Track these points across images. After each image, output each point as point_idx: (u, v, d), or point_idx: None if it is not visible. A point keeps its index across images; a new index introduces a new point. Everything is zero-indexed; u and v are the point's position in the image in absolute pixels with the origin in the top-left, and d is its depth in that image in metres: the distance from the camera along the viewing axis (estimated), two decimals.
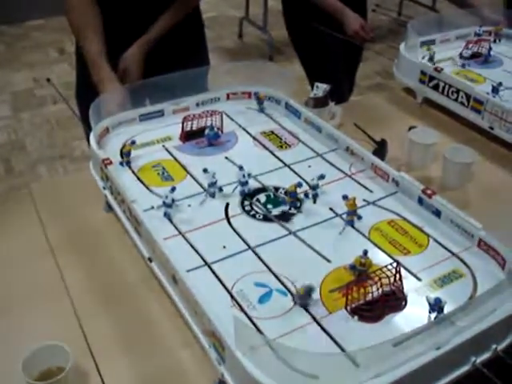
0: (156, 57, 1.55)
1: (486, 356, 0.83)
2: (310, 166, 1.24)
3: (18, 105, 3.59)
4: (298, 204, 1.12)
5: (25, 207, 1.28)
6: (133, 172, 1.22)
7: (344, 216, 1.08)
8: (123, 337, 0.97)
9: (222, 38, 4.50)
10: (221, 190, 1.14)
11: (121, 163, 1.23)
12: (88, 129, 1.25)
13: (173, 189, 1.08)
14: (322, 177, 1.13)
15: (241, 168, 1.15)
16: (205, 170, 1.15)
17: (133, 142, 1.25)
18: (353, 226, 1.07)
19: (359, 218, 1.07)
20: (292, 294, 0.91)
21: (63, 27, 4.78)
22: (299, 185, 1.11)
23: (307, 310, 0.89)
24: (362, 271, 0.93)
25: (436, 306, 0.84)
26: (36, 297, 1.05)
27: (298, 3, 2.12)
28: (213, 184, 1.14)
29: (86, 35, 1.46)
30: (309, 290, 0.88)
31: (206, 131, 1.31)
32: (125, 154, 1.23)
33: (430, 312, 0.85)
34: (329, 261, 0.98)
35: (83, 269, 1.11)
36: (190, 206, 1.12)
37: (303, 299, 0.89)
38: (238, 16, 4.64)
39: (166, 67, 1.39)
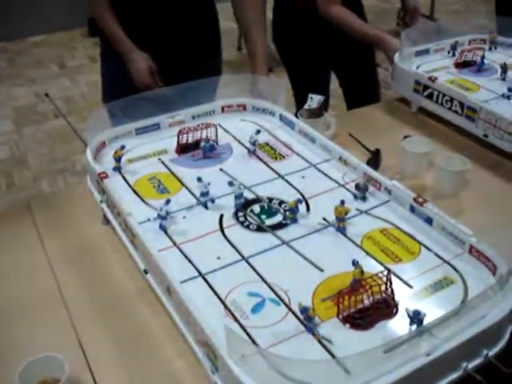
0: (169, 60, 1.66)
1: (477, 362, 0.84)
2: (303, 177, 1.25)
3: (20, 120, 3.62)
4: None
5: (23, 221, 1.30)
6: (129, 185, 1.23)
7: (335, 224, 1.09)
8: (120, 347, 0.98)
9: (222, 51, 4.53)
10: (213, 201, 1.16)
11: (113, 169, 1.26)
12: None
13: (167, 201, 1.09)
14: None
15: (230, 183, 1.17)
16: (199, 179, 1.16)
17: (122, 147, 1.27)
18: (344, 235, 1.08)
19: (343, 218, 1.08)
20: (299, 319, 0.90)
21: (64, 43, 4.84)
22: (299, 201, 1.12)
23: (299, 319, 0.89)
24: (361, 279, 0.93)
25: (415, 318, 0.84)
26: (34, 309, 1.07)
27: (288, 16, 2.14)
28: (205, 194, 1.15)
29: (106, 16, 1.63)
30: None
31: (202, 144, 1.33)
32: (115, 160, 1.26)
33: (410, 324, 0.85)
34: (321, 270, 0.99)
35: (81, 281, 1.12)
36: (184, 217, 1.13)
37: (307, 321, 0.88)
38: (237, 28, 4.67)
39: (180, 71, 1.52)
